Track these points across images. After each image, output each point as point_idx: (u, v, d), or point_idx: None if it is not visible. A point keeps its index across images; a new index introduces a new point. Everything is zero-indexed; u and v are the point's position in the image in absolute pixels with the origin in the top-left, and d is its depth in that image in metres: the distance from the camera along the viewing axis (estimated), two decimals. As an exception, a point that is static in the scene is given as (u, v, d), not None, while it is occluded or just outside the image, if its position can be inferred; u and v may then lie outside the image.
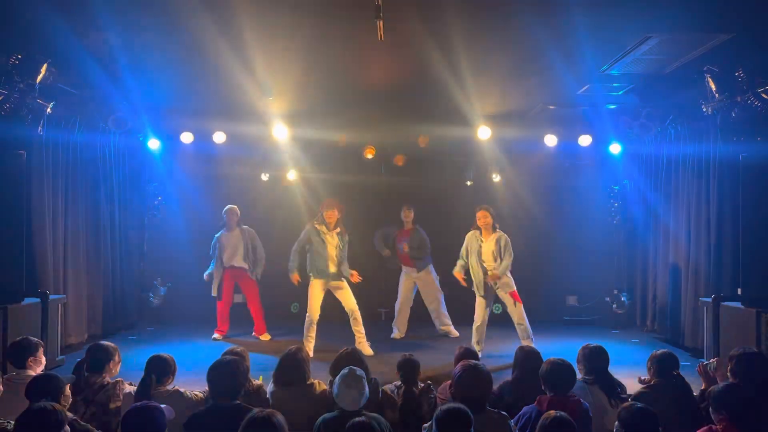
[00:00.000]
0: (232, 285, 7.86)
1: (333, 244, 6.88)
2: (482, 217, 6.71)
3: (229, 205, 7.87)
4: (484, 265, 6.67)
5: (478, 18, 4.75)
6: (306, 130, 8.30)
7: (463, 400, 3.30)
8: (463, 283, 6.94)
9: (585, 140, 8.35)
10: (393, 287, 8.44)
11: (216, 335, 7.76)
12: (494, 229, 6.73)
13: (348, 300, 6.95)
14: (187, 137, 8.31)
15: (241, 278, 7.82)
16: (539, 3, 4.45)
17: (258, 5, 4.50)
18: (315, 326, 6.88)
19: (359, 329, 6.93)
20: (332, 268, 6.87)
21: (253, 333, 7.90)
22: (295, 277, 7.05)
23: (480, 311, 6.74)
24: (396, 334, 7.92)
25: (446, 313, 7.96)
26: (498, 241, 6.65)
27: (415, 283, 7.95)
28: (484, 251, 6.68)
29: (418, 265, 7.79)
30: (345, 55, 5.67)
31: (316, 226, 6.93)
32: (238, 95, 6.96)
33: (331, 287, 6.97)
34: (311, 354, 6.61)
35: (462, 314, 7.75)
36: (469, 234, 6.88)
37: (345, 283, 6.97)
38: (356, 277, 6.95)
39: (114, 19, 4.75)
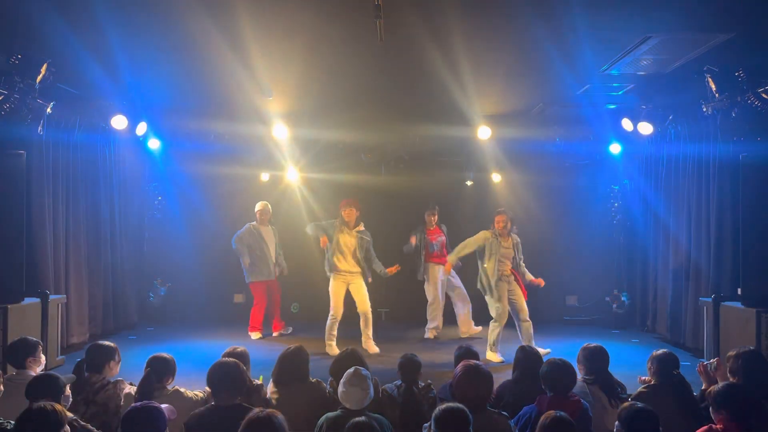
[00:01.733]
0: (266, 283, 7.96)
1: (350, 243, 6.99)
2: (501, 221, 6.73)
3: (263, 201, 8.03)
4: (504, 269, 6.69)
5: (478, 18, 4.75)
6: (306, 130, 8.30)
7: (464, 400, 3.29)
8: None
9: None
10: (394, 288, 8.44)
11: (256, 334, 7.84)
12: (510, 233, 6.84)
13: (361, 300, 7.02)
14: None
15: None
16: (539, 3, 4.45)
17: (258, 5, 4.50)
18: (337, 325, 6.93)
19: (366, 330, 7.02)
20: (345, 266, 6.99)
21: (273, 332, 7.98)
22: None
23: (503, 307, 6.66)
24: (431, 332, 7.92)
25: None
26: (515, 246, 6.85)
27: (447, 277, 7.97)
28: (504, 255, 6.71)
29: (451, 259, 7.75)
30: (345, 55, 5.67)
31: (337, 224, 7.07)
32: (238, 95, 6.96)
33: (348, 284, 7.06)
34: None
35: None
36: (486, 235, 6.75)
37: (360, 281, 7.03)
38: (394, 270, 7.19)
39: (114, 19, 4.75)
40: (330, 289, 7.04)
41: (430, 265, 7.96)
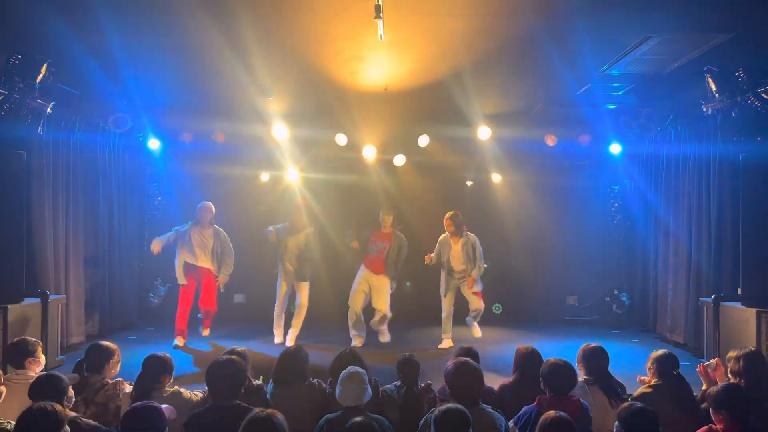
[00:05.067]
0: (194, 285, 7.41)
1: (297, 243, 7.33)
2: (446, 224, 7.27)
3: (204, 202, 7.47)
4: (453, 267, 7.25)
5: (478, 18, 4.74)
6: (306, 130, 8.30)
7: (456, 396, 3.35)
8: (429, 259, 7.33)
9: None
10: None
11: (177, 341, 7.29)
12: (461, 234, 7.21)
13: (302, 296, 7.40)
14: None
15: (204, 278, 7.38)
16: (539, 3, 4.45)
17: (258, 5, 4.50)
18: (282, 316, 7.45)
19: (297, 322, 7.37)
20: (291, 267, 7.32)
21: (202, 330, 7.57)
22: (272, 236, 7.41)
23: (448, 304, 7.36)
24: (357, 341, 7.41)
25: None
26: (465, 246, 7.17)
27: (370, 285, 7.49)
28: (453, 255, 7.23)
29: (389, 273, 7.39)
30: (345, 54, 5.67)
31: (288, 227, 7.44)
32: (238, 95, 6.96)
33: (294, 285, 7.42)
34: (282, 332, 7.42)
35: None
36: (442, 237, 7.37)
37: (305, 284, 7.39)
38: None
39: (114, 19, 4.76)
40: (278, 286, 7.46)
41: (362, 267, 7.55)
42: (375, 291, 7.52)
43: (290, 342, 7.15)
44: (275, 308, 7.47)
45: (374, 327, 7.54)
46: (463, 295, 7.33)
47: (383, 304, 7.43)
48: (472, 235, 7.24)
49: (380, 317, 7.45)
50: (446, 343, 7.30)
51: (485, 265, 7.27)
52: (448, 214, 7.28)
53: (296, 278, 7.34)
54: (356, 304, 7.41)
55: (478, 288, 7.22)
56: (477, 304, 7.25)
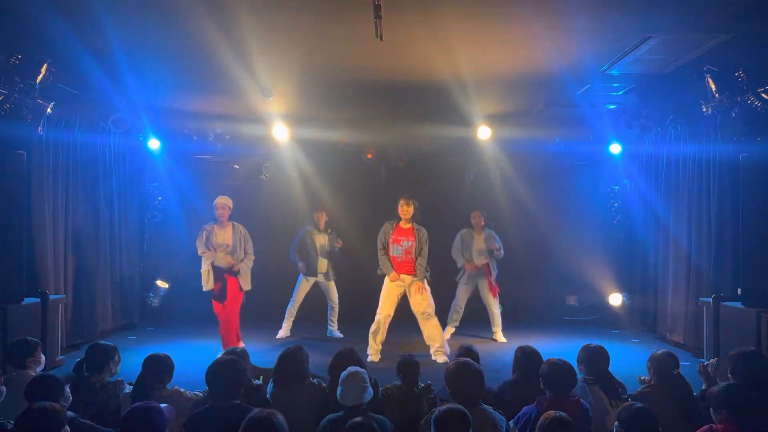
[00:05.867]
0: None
1: (322, 243, 7.87)
2: (475, 217, 7.79)
3: (220, 197, 6.88)
4: (474, 261, 7.74)
5: (478, 18, 4.74)
6: (306, 130, 8.31)
7: (456, 396, 3.36)
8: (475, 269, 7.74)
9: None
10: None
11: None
12: (483, 229, 7.81)
13: (333, 292, 7.98)
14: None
15: (227, 281, 6.85)
16: (540, 3, 4.45)
17: (258, 5, 4.50)
18: (294, 313, 7.92)
19: (333, 318, 8.01)
20: (321, 267, 7.84)
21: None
22: (303, 266, 7.86)
23: (463, 296, 7.87)
24: (372, 357, 6.49)
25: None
26: (487, 239, 7.75)
27: (405, 291, 6.58)
28: (475, 248, 7.74)
29: (419, 272, 6.48)
30: (345, 55, 5.67)
31: (309, 229, 7.91)
32: (237, 95, 6.96)
33: (319, 281, 7.91)
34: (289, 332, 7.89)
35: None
36: (462, 232, 7.88)
37: (333, 282, 7.98)
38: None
39: (114, 19, 4.76)
40: (299, 285, 7.91)
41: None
42: (412, 294, 6.50)
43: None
44: (291, 303, 7.88)
45: (435, 350, 6.45)
46: (482, 298, 7.83)
47: (427, 305, 6.43)
48: (491, 231, 7.87)
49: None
50: (448, 332, 7.65)
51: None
52: (477, 210, 7.84)
53: (325, 274, 7.87)
54: (383, 310, 6.48)
55: (494, 272, 7.69)
56: (493, 307, 7.72)
